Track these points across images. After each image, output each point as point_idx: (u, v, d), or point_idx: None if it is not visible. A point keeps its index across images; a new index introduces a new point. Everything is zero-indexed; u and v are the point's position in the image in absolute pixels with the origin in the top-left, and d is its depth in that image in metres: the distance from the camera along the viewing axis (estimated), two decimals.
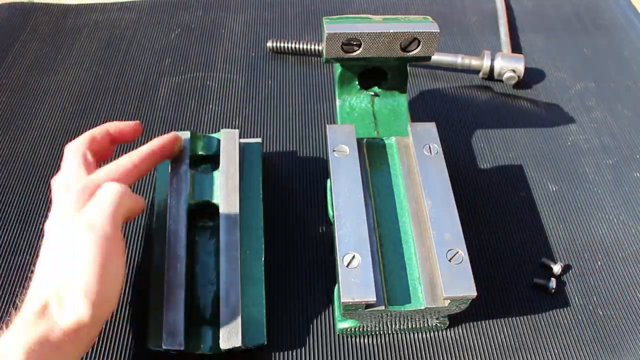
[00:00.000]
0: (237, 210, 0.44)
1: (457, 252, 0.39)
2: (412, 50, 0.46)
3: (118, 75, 0.64)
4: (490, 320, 0.45)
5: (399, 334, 0.44)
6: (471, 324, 0.45)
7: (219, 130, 0.49)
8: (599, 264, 0.49)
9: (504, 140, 0.58)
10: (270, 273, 0.46)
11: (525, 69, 0.62)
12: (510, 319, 0.45)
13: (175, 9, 0.73)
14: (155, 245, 0.44)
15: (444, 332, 0.45)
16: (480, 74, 0.63)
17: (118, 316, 0.45)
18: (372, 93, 0.52)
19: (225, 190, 0.45)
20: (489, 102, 0.62)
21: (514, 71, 0.61)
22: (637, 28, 0.71)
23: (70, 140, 0.41)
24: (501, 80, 0.63)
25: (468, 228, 0.42)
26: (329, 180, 0.47)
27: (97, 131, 0.43)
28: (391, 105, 0.52)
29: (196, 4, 0.73)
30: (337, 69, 0.50)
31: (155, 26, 0.70)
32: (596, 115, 0.61)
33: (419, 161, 0.44)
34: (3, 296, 0.46)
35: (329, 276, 0.47)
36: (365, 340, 0.44)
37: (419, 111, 0.60)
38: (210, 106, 0.60)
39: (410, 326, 0.43)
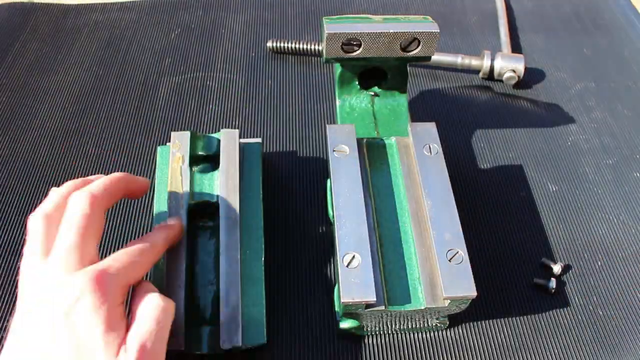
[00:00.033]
0: (237, 210, 0.44)
1: (457, 252, 0.39)
2: (412, 50, 0.46)
3: (118, 75, 0.64)
4: (490, 320, 0.45)
5: (399, 334, 0.44)
6: (471, 324, 0.45)
7: (219, 130, 0.49)
8: (599, 264, 0.49)
9: (504, 140, 0.58)
10: (270, 273, 0.46)
11: (525, 69, 0.62)
12: (510, 319, 0.45)
13: (175, 9, 0.73)
14: None
15: (444, 332, 0.45)
16: (480, 74, 0.63)
17: None
18: (372, 93, 0.52)
19: (225, 190, 0.45)
20: (489, 102, 0.62)
21: (514, 71, 0.61)
22: (637, 28, 0.71)
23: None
24: (501, 80, 0.63)
25: (468, 228, 0.42)
26: (329, 180, 0.47)
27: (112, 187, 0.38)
28: (391, 105, 0.52)
29: (196, 4, 0.73)
30: (337, 69, 0.50)
31: (155, 26, 0.70)
32: (596, 115, 0.61)
33: (419, 161, 0.44)
34: (3, 296, 0.46)
35: (329, 276, 0.47)
36: (365, 340, 0.44)
37: (419, 111, 0.60)
38: (210, 106, 0.60)
39: (410, 326, 0.43)
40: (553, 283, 0.46)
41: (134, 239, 0.49)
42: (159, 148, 0.49)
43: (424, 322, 0.43)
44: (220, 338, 0.39)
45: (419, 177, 0.43)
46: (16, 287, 0.46)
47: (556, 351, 0.44)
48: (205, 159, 0.48)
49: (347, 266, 0.38)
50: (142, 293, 0.35)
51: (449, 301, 0.38)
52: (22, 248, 0.48)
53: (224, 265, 0.42)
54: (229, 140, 0.48)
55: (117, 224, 0.50)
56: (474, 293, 0.37)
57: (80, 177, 0.53)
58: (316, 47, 0.65)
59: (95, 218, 0.35)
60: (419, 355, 0.43)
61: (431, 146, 0.45)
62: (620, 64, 0.67)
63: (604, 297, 0.47)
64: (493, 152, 0.57)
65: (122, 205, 0.51)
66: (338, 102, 0.52)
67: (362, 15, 0.46)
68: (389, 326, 0.43)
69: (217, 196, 0.45)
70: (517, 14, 0.73)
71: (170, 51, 0.67)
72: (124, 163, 0.55)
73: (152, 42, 0.68)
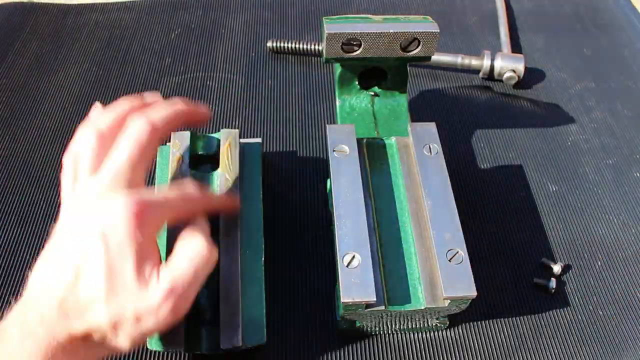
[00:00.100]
0: (237, 210, 0.44)
1: (457, 252, 0.39)
2: (412, 50, 0.45)
3: (118, 75, 0.64)
4: (490, 320, 0.45)
5: (399, 334, 0.44)
6: (471, 324, 0.45)
7: (219, 130, 0.49)
8: (599, 264, 0.49)
9: (504, 140, 0.58)
10: (270, 273, 0.46)
11: (525, 69, 0.62)
12: (510, 319, 0.45)
13: (175, 9, 0.73)
14: None
15: (444, 332, 0.45)
16: (480, 74, 0.63)
17: None
18: (372, 93, 0.52)
19: (225, 190, 0.45)
20: (489, 102, 0.62)
21: (514, 71, 0.61)
22: (637, 28, 0.71)
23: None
24: (501, 80, 0.63)
25: (468, 228, 0.42)
26: (329, 180, 0.47)
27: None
28: (391, 105, 0.52)
29: (196, 4, 0.73)
30: (337, 69, 0.50)
31: (155, 26, 0.70)
32: (596, 115, 0.61)
33: (419, 161, 0.44)
34: (3, 296, 0.46)
35: (329, 276, 0.47)
36: (365, 340, 0.44)
37: (419, 111, 0.60)
38: (210, 106, 0.60)
39: (410, 326, 0.43)
40: (553, 283, 0.46)
41: None
42: (159, 148, 0.49)
43: (424, 322, 0.43)
44: (220, 338, 0.39)
45: (419, 177, 0.43)
46: (16, 287, 0.46)
47: (556, 351, 0.44)
48: (205, 159, 0.48)
49: (347, 266, 0.38)
50: (191, 234, 0.35)
51: (449, 301, 0.38)
52: (21, 247, 0.49)
53: (224, 265, 0.42)
54: (228, 140, 0.48)
55: None
56: (474, 293, 0.37)
57: None
58: (316, 47, 0.65)
59: (150, 147, 0.36)
60: (419, 355, 0.43)
61: (431, 146, 0.45)
62: (620, 64, 0.67)
63: (604, 297, 0.47)
64: (493, 152, 0.57)
65: None
66: (338, 102, 0.52)
67: (362, 15, 0.46)
68: (389, 326, 0.43)
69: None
70: (517, 14, 0.73)
71: (170, 51, 0.67)
72: None
73: (152, 42, 0.68)
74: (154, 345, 0.40)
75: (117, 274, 0.31)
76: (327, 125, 0.46)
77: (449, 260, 0.38)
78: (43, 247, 0.47)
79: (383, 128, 0.50)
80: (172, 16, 0.72)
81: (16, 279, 0.46)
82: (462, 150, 0.57)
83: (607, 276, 0.48)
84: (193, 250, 0.34)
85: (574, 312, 0.46)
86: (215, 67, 0.65)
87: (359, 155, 0.44)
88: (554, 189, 0.54)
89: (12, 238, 0.49)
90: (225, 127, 0.54)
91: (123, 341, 0.32)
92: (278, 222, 0.50)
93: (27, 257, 0.48)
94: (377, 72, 0.50)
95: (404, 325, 0.43)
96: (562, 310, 0.46)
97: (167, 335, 0.39)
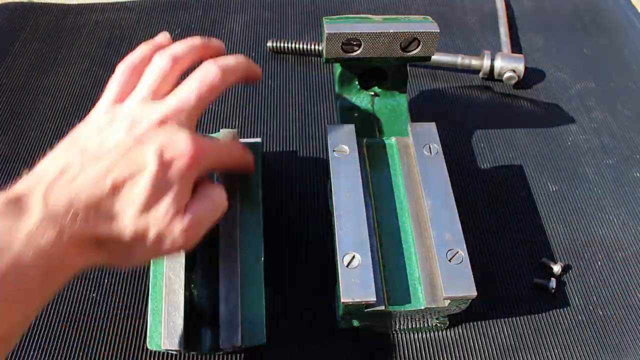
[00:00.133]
0: (237, 210, 0.44)
1: (457, 252, 0.39)
2: (412, 50, 0.46)
3: None
4: (490, 320, 0.45)
5: (399, 334, 0.44)
6: (471, 324, 0.45)
7: (218, 130, 0.49)
8: (599, 264, 0.49)
9: (504, 140, 0.58)
10: (270, 273, 0.46)
11: (525, 69, 0.62)
12: (510, 319, 0.45)
13: (175, 9, 0.73)
14: None
15: (444, 332, 0.45)
16: (480, 74, 0.63)
17: (118, 316, 0.45)
18: (372, 93, 0.52)
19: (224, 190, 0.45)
20: (489, 102, 0.62)
21: (514, 71, 0.61)
22: (637, 28, 0.71)
23: None
24: (501, 80, 0.63)
25: (468, 228, 0.42)
26: (329, 180, 0.47)
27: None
28: (391, 105, 0.52)
29: (196, 4, 0.73)
30: (337, 69, 0.50)
31: (155, 26, 0.70)
32: (596, 115, 0.61)
33: (419, 161, 0.44)
34: None
35: (329, 276, 0.47)
36: (365, 340, 0.44)
37: (419, 111, 0.60)
38: (210, 106, 0.60)
39: (410, 326, 0.43)
40: (553, 283, 0.46)
41: None
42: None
43: (424, 322, 0.43)
44: (220, 338, 0.39)
45: (419, 177, 0.43)
46: None
47: (556, 351, 0.44)
48: None
49: (347, 266, 0.38)
50: (209, 183, 0.37)
51: (449, 301, 0.38)
52: None
53: (223, 265, 0.42)
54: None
55: None
56: (474, 293, 0.37)
57: None
58: (316, 47, 0.65)
59: (213, 95, 0.37)
60: (419, 355, 0.43)
61: (431, 146, 0.45)
62: (620, 64, 0.67)
63: (604, 297, 0.47)
64: (493, 152, 0.57)
65: None
66: (338, 102, 0.52)
67: (362, 15, 0.46)
68: (389, 326, 0.43)
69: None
70: (517, 14, 0.73)
71: None
72: None
73: None
74: (154, 345, 0.40)
75: (159, 197, 0.33)
76: (327, 125, 0.46)
77: (449, 260, 0.38)
78: None
79: (383, 128, 0.50)
80: (172, 16, 0.72)
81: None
82: (462, 150, 0.57)
83: (607, 276, 0.48)
84: (212, 195, 0.36)
85: (574, 312, 0.46)
86: None
87: (359, 155, 0.44)
88: (554, 189, 0.54)
89: None
90: (225, 127, 0.54)
91: (135, 256, 0.34)
92: (278, 222, 0.50)
93: None
94: (377, 72, 0.50)
95: (403, 325, 0.43)
96: (562, 310, 0.46)
97: (167, 336, 0.39)
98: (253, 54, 0.66)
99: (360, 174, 0.43)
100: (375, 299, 0.37)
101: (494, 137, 0.58)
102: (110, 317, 0.45)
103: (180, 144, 0.34)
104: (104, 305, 0.45)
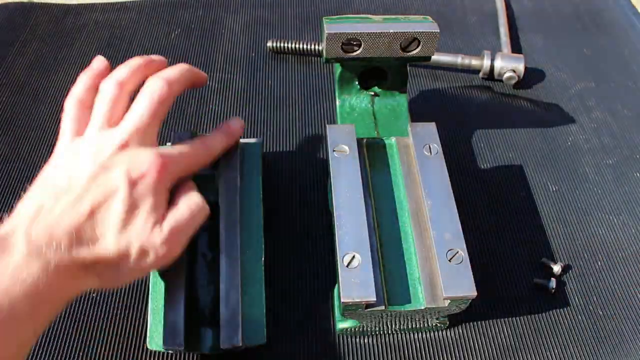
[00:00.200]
0: (237, 210, 0.44)
1: (457, 252, 0.39)
2: (412, 50, 0.46)
3: None
4: (490, 320, 0.45)
5: (399, 334, 0.44)
6: (471, 324, 0.45)
7: None
8: (599, 264, 0.49)
9: (504, 140, 0.58)
10: (270, 273, 0.46)
11: (525, 69, 0.62)
12: (510, 319, 0.45)
13: (175, 9, 0.73)
14: None
15: (444, 332, 0.45)
16: (480, 74, 0.63)
17: (118, 316, 0.45)
18: (372, 93, 0.52)
19: (225, 191, 0.45)
20: (489, 102, 0.62)
21: (514, 71, 0.61)
22: (637, 28, 0.71)
23: None
24: (501, 80, 0.63)
25: (468, 228, 0.42)
26: (329, 180, 0.47)
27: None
28: (391, 105, 0.52)
29: (196, 4, 0.73)
30: (337, 69, 0.50)
31: (155, 26, 0.70)
32: (596, 115, 0.61)
33: (419, 161, 0.44)
34: None
35: (329, 276, 0.47)
36: (365, 340, 0.44)
37: (419, 111, 0.60)
38: (210, 106, 0.60)
39: (410, 326, 0.43)
40: (553, 283, 0.46)
41: None
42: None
43: (424, 322, 0.43)
44: (220, 338, 0.39)
45: (419, 177, 0.43)
46: None
47: (556, 351, 0.44)
48: None
49: (347, 266, 0.38)
50: (187, 189, 0.39)
51: (449, 301, 0.38)
52: None
53: (224, 265, 0.42)
54: None
55: None
56: (474, 293, 0.37)
57: None
58: (316, 47, 0.65)
59: (166, 106, 0.39)
60: (419, 355, 0.43)
61: (431, 146, 0.45)
62: (620, 64, 0.67)
63: (604, 297, 0.47)
64: (493, 152, 0.57)
65: None
66: (338, 102, 0.52)
67: (362, 15, 0.46)
68: (389, 326, 0.43)
69: (217, 196, 0.45)
70: (517, 14, 0.73)
71: (170, 51, 0.67)
72: None
73: (152, 42, 0.68)
74: (154, 345, 0.40)
75: (134, 214, 0.35)
76: (327, 125, 0.46)
77: (449, 260, 0.38)
78: None
79: (383, 128, 0.50)
80: (172, 16, 0.72)
81: None
82: (462, 150, 0.57)
83: (607, 276, 0.48)
84: (191, 202, 0.38)
85: (574, 312, 0.46)
86: (215, 67, 0.65)
87: (359, 155, 0.44)
88: (554, 189, 0.54)
89: None
90: None
91: (122, 274, 0.35)
92: (278, 222, 0.50)
93: None
94: (377, 72, 0.50)
95: (404, 325, 0.43)
96: (562, 310, 0.46)
97: (167, 336, 0.39)
98: (253, 54, 0.66)
99: (360, 174, 0.43)
100: (375, 299, 0.37)
101: (494, 137, 0.58)
102: (110, 317, 0.45)
103: (144, 162, 0.35)
104: (104, 305, 0.45)
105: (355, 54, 0.45)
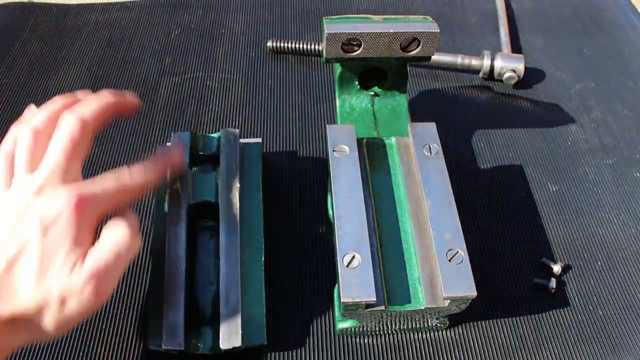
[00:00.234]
0: (237, 210, 0.44)
1: (457, 252, 0.39)
2: (412, 50, 0.46)
3: (118, 75, 0.64)
4: (490, 320, 0.45)
5: (399, 334, 0.44)
6: (471, 324, 0.45)
7: (219, 130, 0.49)
8: (599, 264, 0.49)
9: (504, 140, 0.58)
10: (270, 273, 0.46)
11: (525, 69, 0.62)
12: (510, 319, 0.45)
13: (175, 9, 0.73)
14: (155, 245, 0.44)
15: (444, 332, 0.45)
16: (480, 74, 0.63)
17: (118, 316, 0.45)
18: (372, 93, 0.52)
19: (225, 190, 0.45)
20: (489, 102, 0.62)
21: (514, 71, 0.61)
22: (637, 28, 0.71)
23: None
24: (501, 80, 0.63)
25: (468, 228, 0.42)
26: (329, 180, 0.47)
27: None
28: (391, 105, 0.52)
29: (196, 4, 0.73)
30: (337, 69, 0.50)
31: (155, 26, 0.70)
32: (596, 115, 0.61)
33: (419, 161, 0.44)
34: None
35: (329, 276, 0.47)
36: (365, 340, 0.44)
37: (419, 111, 0.60)
38: (210, 106, 0.60)
39: (410, 326, 0.43)
40: (553, 283, 0.46)
41: None
42: (159, 148, 0.49)
43: (424, 322, 0.43)
44: (220, 338, 0.39)
45: (419, 177, 0.43)
46: None
47: (556, 351, 0.44)
48: (205, 159, 0.48)
49: (347, 266, 0.38)
50: (116, 222, 0.36)
51: (449, 301, 0.38)
52: None
53: (224, 265, 0.42)
54: (228, 140, 0.48)
55: None
56: (474, 293, 0.37)
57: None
58: (316, 47, 0.65)
59: (83, 142, 0.37)
60: (419, 355, 0.43)
61: (431, 146, 0.45)
62: (620, 64, 0.67)
63: (604, 297, 0.47)
64: (493, 152, 0.57)
65: None
66: (338, 102, 0.52)
67: (362, 15, 0.46)
68: (389, 326, 0.43)
69: (217, 196, 0.45)
70: (517, 14, 0.73)
71: (170, 51, 0.67)
72: (124, 163, 0.55)
73: (152, 42, 0.68)
74: (154, 345, 0.40)
75: (50, 261, 0.33)
76: (327, 125, 0.46)
77: (449, 260, 0.38)
78: None
79: (383, 128, 0.50)
80: (172, 16, 0.72)
81: None
82: (462, 150, 0.57)
83: (607, 276, 0.48)
84: (116, 237, 0.35)
85: (574, 312, 0.46)
86: (215, 67, 0.65)
87: (359, 155, 0.44)
88: (554, 189, 0.54)
89: None
90: (225, 127, 0.54)
91: (48, 325, 0.33)
92: (278, 222, 0.50)
93: None
94: (377, 72, 0.50)
95: (404, 325, 0.43)
96: (562, 310, 0.46)
97: (167, 336, 0.39)
98: (253, 54, 0.66)
99: (360, 174, 0.43)
100: (375, 299, 0.37)
101: (494, 137, 0.58)
102: (110, 317, 0.45)
103: (57, 204, 0.34)
104: (104, 305, 0.45)
105: (355, 54, 0.45)
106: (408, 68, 0.50)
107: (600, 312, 0.46)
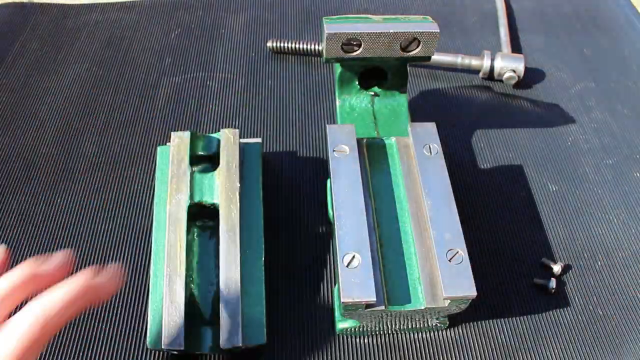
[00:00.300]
0: (237, 210, 0.44)
1: (457, 252, 0.39)
2: (412, 50, 0.46)
3: (118, 76, 0.64)
4: (490, 320, 0.45)
5: (399, 334, 0.44)
6: (471, 324, 0.45)
7: (219, 130, 0.49)
8: (599, 264, 0.49)
9: (504, 140, 0.58)
10: (270, 273, 0.46)
11: (525, 69, 0.62)
12: (510, 319, 0.45)
13: (175, 9, 0.73)
14: (155, 246, 0.44)
15: (444, 332, 0.45)
16: (480, 74, 0.63)
17: (118, 316, 0.45)
18: (372, 93, 0.52)
19: (225, 190, 0.45)
20: (489, 102, 0.62)
21: (514, 71, 0.61)
22: (637, 28, 0.71)
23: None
24: (501, 80, 0.63)
25: (468, 228, 0.42)
26: (329, 180, 0.47)
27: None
28: (391, 105, 0.52)
29: (196, 4, 0.73)
30: (337, 69, 0.50)
31: (155, 26, 0.70)
32: (596, 115, 0.61)
33: (419, 161, 0.44)
34: None
35: (329, 276, 0.47)
36: (365, 340, 0.44)
37: (419, 111, 0.60)
38: (210, 106, 0.60)
39: (410, 326, 0.43)
40: (553, 283, 0.46)
41: (134, 238, 0.49)
42: (159, 148, 0.49)
43: (424, 322, 0.43)
44: (220, 338, 0.39)
45: (419, 177, 0.43)
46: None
47: (556, 351, 0.44)
48: (205, 159, 0.48)
49: (347, 266, 0.38)
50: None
51: (449, 301, 0.38)
52: (21, 247, 0.49)
53: (224, 266, 0.42)
54: (228, 140, 0.48)
55: (116, 224, 0.50)
56: (474, 293, 0.37)
57: (80, 176, 0.54)
58: (316, 47, 0.65)
59: (37, 346, 0.29)
60: (419, 355, 0.43)
61: (431, 146, 0.45)
62: (620, 64, 0.67)
63: (604, 297, 0.47)
64: (493, 152, 0.57)
65: (121, 207, 0.51)
66: (338, 102, 0.52)
67: (362, 15, 0.46)
68: (389, 326, 0.43)
69: (217, 196, 0.45)
70: (517, 14, 0.73)
71: (170, 51, 0.67)
72: (124, 163, 0.55)
73: (152, 42, 0.68)
74: (154, 345, 0.40)
75: None
76: (327, 125, 0.46)
77: (449, 260, 0.38)
78: (43, 246, 0.47)
79: (383, 128, 0.50)
80: (172, 16, 0.72)
81: None
82: (462, 150, 0.57)
83: (607, 276, 0.48)
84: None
85: (574, 312, 0.46)
86: (215, 67, 0.65)
87: (359, 155, 0.44)
88: (554, 189, 0.54)
89: (12, 238, 0.49)
90: (225, 127, 0.54)
91: None
92: (278, 222, 0.50)
93: (27, 257, 0.48)
94: (377, 72, 0.50)
95: (404, 325, 0.43)
96: (562, 310, 0.46)
97: (167, 336, 0.39)
98: (253, 54, 0.66)
99: (360, 174, 0.43)
100: (375, 299, 0.37)
101: (494, 137, 0.58)
102: (110, 317, 0.45)
103: None
104: (104, 305, 0.45)
105: (355, 54, 0.45)
106: (408, 68, 0.50)
107: (600, 312, 0.46)
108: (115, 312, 0.45)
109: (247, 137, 0.56)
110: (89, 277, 0.32)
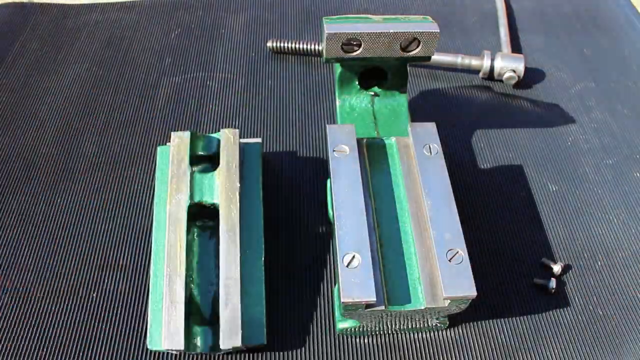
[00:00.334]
0: (237, 210, 0.44)
1: (457, 252, 0.39)
2: (412, 50, 0.46)
3: (118, 75, 0.64)
4: (490, 320, 0.45)
5: (399, 334, 0.44)
6: (471, 324, 0.45)
7: (219, 130, 0.49)
8: (599, 264, 0.49)
9: (504, 140, 0.58)
10: (270, 273, 0.46)
11: (525, 69, 0.62)
12: (510, 319, 0.45)
13: (175, 9, 0.73)
14: (155, 246, 0.44)
15: (444, 332, 0.45)
16: (480, 74, 0.63)
17: (118, 316, 0.45)
18: (372, 93, 0.52)
19: (225, 190, 0.45)
20: (489, 102, 0.62)
21: (514, 71, 0.61)
22: (637, 28, 0.71)
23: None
24: (501, 80, 0.63)
25: (468, 228, 0.42)
26: (329, 180, 0.47)
27: None
28: (391, 105, 0.52)
29: (196, 4, 0.73)
30: (337, 69, 0.50)
31: (155, 26, 0.70)
32: (596, 115, 0.61)
33: (419, 161, 0.44)
34: (2, 297, 0.46)
35: (329, 276, 0.47)
36: (365, 340, 0.44)
37: (419, 111, 0.60)
38: (210, 106, 0.60)
39: (410, 326, 0.43)
40: (553, 283, 0.46)
41: (134, 238, 0.49)
42: (159, 148, 0.49)
43: (424, 322, 0.43)
44: (220, 338, 0.39)
45: (419, 177, 0.43)
46: (15, 287, 0.46)
47: (556, 351, 0.44)
48: (205, 159, 0.48)
49: (347, 266, 0.38)
50: None
51: (449, 301, 0.38)
52: (21, 247, 0.49)
53: (223, 266, 0.42)
54: (228, 140, 0.48)
55: (116, 224, 0.50)
56: (474, 293, 0.37)
57: (80, 176, 0.54)
58: (316, 47, 0.65)
59: None
60: (419, 355, 0.43)
61: (431, 146, 0.45)
62: (620, 64, 0.67)
63: (604, 297, 0.47)
64: (493, 152, 0.57)
65: (121, 207, 0.51)
66: (338, 102, 0.52)
67: (362, 15, 0.46)
68: (389, 326, 0.43)
69: (217, 196, 0.45)
70: (517, 14, 0.73)
71: (170, 51, 0.67)
72: (124, 163, 0.55)
73: (152, 42, 0.68)
74: (154, 345, 0.40)
75: None
76: (327, 125, 0.46)
77: (449, 260, 0.38)
78: (43, 246, 0.47)
79: (383, 128, 0.50)
80: (172, 16, 0.72)
81: (16, 279, 0.47)
82: (462, 150, 0.57)
83: (607, 276, 0.48)
84: None
85: (574, 312, 0.46)
86: (215, 67, 0.65)
87: (359, 155, 0.44)
88: (554, 189, 0.54)
89: (12, 238, 0.49)
90: (225, 127, 0.54)
91: None
92: (278, 222, 0.50)
93: (27, 257, 0.48)
94: (377, 72, 0.50)
95: (404, 325, 0.43)
96: (562, 310, 0.46)
97: (167, 336, 0.39)
98: (253, 54, 0.66)
99: (360, 174, 0.43)
100: (375, 299, 0.37)
101: (494, 137, 0.58)
102: (110, 317, 0.45)
103: None
104: (104, 305, 0.45)
105: (355, 54, 0.45)
106: (408, 68, 0.50)
107: (600, 312, 0.46)
108: (115, 312, 0.45)
109: (247, 137, 0.56)
110: None
